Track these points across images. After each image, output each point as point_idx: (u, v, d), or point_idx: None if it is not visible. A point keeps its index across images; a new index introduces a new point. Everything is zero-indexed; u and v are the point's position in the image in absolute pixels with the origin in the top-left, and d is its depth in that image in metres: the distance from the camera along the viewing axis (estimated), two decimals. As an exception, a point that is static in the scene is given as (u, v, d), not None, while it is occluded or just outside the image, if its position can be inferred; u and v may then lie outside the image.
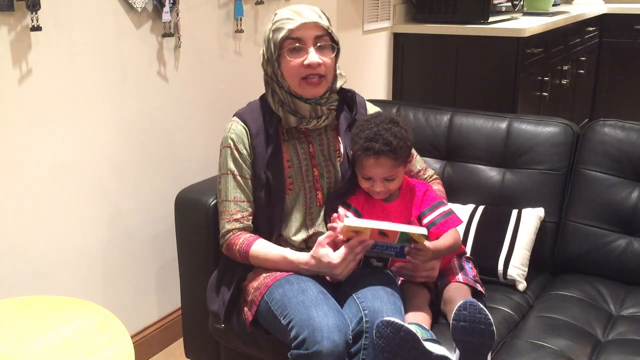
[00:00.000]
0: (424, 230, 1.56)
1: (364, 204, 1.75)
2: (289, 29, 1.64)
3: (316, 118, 1.73)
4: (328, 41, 1.69)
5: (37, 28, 1.71)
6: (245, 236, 1.71)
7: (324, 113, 1.74)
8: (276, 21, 1.68)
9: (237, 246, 1.70)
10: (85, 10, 1.86)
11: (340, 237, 1.57)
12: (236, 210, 1.72)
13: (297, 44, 1.66)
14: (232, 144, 1.72)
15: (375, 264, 1.65)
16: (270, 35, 1.69)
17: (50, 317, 1.48)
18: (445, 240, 1.69)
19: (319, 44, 1.67)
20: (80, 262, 2.00)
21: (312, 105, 1.71)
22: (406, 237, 1.55)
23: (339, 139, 1.79)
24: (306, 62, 1.65)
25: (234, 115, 1.77)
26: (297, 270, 1.65)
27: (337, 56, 1.72)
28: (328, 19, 1.72)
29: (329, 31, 1.69)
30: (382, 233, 1.55)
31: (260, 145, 1.71)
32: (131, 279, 2.18)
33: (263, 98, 1.79)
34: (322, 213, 1.76)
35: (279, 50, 1.67)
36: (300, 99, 1.71)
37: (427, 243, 1.57)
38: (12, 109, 1.72)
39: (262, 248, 1.69)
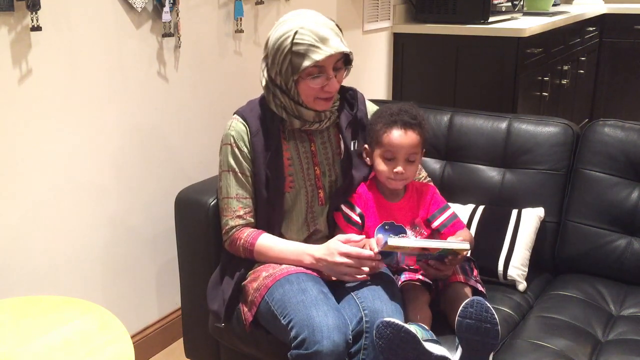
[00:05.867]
0: (466, 245, 1.56)
1: (367, 203, 1.75)
2: (315, 60, 1.60)
3: (319, 122, 1.74)
4: (342, 62, 1.68)
5: (37, 28, 1.71)
6: (249, 230, 1.72)
7: (326, 117, 1.75)
8: (297, 43, 1.61)
9: (242, 240, 1.70)
10: (85, 10, 1.86)
11: (376, 249, 1.58)
12: (239, 206, 1.72)
13: (319, 72, 1.64)
14: (232, 141, 1.72)
15: (408, 267, 1.71)
16: (289, 56, 1.62)
17: (50, 317, 1.48)
18: (464, 237, 1.71)
19: (336, 66, 1.66)
20: (80, 262, 2.00)
21: (316, 112, 1.72)
22: (448, 251, 1.56)
23: (340, 136, 1.79)
24: (326, 88, 1.65)
25: (234, 113, 1.77)
26: (302, 257, 1.67)
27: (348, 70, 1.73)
28: (340, 30, 1.69)
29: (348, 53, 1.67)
30: (424, 248, 1.57)
31: (260, 143, 1.71)
32: (131, 279, 2.18)
33: (264, 96, 1.79)
34: (324, 212, 1.77)
35: (299, 73, 1.64)
36: (304, 107, 1.71)
37: (466, 249, 1.57)
38: (12, 108, 1.72)
39: (268, 240, 1.70)
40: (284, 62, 1.64)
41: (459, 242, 1.58)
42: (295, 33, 1.61)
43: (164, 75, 2.15)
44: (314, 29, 1.61)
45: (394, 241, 1.52)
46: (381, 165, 1.71)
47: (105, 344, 1.38)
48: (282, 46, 1.63)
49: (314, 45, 1.60)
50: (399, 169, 1.69)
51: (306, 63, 1.61)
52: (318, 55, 1.60)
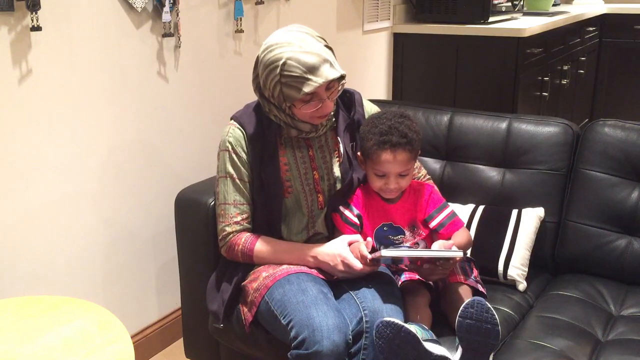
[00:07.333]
0: (460, 254, 1.57)
1: (364, 204, 1.75)
2: (305, 92, 1.57)
3: (316, 131, 1.73)
4: (337, 82, 1.65)
5: (37, 28, 1.71)
6: (247, 235, 1.71)
7: (323, 125, 1.74)
8: (286, 75, 1.57)
9: (240, 246, 1.70)
10: (85, 10, 1.86)
11: (365, 253, 1.59)
12: (236, 212, 1.72)
13: (311, 99, 1.62)
14: (230, 147, 1.72)
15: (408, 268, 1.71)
16: (279, 86, 1.60)
17: (50, 317, 1.48)
18: (461, 238, 1.71)
19: (328, 87, 1.63)
20: (80, 262, 2.00)
21: (313, 124, 1.72)
22: (441, 258, 1.58)
23: (338, 139, 1.79)
24: (320, 111, 1.64)
25: (231, 119, 1.77)
26: (304, 259, 1.67)
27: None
28: (331, 48, 1.65)
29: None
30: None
31: (257, 149, 1.71)
32: (131, 279, 2.18)
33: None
34: (322, 215, 1.77)
35: (292, 102, 1.62)
36: (300, 122, 1.70)
37: (459, 256, 1.57)
38: (12, 109, 1.72)
39: (267, 243, 1.70)
40: (275, 90, 1.62)
41: (452, 251, 1.58)
42: (284, 64, 1.57)
43: (164, 75, 2.15)
44: (302, 59, 1.56)
45: (387, 252, 1.56)
46: (373, 179, 1.72)
47: (105, 344, 1.38)
48: (271, 75, 1.60)
49: (303, 77, 1.57)
50: (391, 185, 1.69)
51: (296, 95, 1.59)
52: (308, 88, 1.57)
